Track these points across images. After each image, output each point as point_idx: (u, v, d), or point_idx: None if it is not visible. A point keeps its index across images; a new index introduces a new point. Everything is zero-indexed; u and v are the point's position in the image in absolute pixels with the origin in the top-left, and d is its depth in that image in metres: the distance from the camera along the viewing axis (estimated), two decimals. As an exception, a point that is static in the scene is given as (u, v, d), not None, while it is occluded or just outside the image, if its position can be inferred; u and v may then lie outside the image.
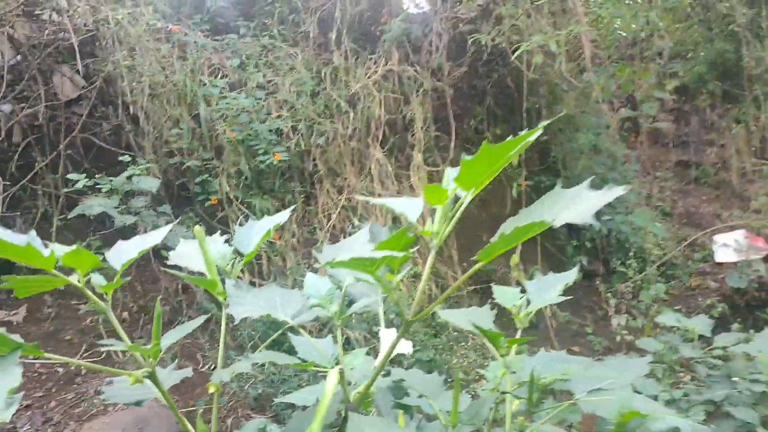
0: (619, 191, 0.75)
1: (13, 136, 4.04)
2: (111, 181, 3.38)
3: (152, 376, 0.87)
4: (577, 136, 5.12)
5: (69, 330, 3.70)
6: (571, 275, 1.25)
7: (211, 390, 0.91)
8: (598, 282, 5.21)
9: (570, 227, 5.57)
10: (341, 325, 0.96)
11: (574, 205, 0.75)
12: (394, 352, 1.13)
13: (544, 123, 0.81)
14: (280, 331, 1.03)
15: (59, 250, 0.85)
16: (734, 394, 2.56)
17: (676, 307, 4.87)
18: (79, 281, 0.90)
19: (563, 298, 1.18)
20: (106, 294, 0.92)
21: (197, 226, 1.00)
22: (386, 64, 4.71)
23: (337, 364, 0.98)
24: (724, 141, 7.99)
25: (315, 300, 0.94)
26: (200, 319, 0.97)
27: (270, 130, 4.34)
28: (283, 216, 1.07)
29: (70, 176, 3.42)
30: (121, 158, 3.78)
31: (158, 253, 2.70)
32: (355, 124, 4.56)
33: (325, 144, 4.46)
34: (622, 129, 6.63)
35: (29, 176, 3.99)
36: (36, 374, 3.47)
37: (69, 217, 3.59)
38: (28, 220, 4.05)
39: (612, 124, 5.86)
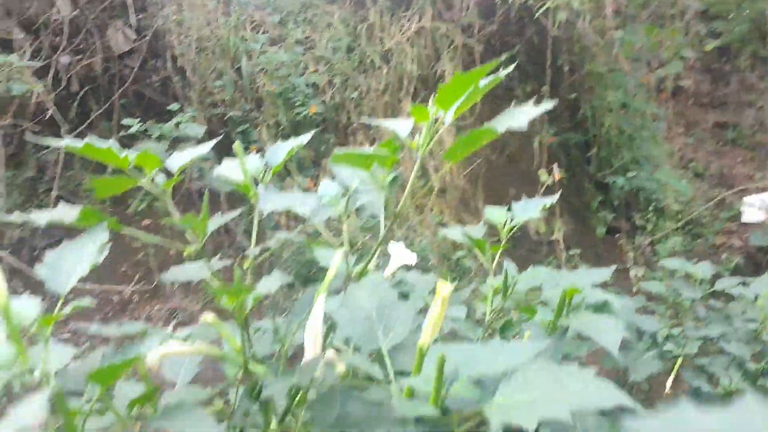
0: (549, 105, 0.97)
1: (72, 85, 4.38)
2: (161, 127, 3.68)
3: (203, 251, 1.14)
4: (606, 94, 5.21)
5: (124, 263, 4.07)
6: (552, 199, 1.48)
7: (246, 265, 1.18)
8: (621, 237, 5.35)
9: (597, 185, 5.69)
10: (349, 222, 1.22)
11: (518, 117, 0.97)
12: (400, 263, 1.40)
13: (508, 68, 1.04)
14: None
15: (131, 153, 1.12)
16: (729, 331, 2.74)
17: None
18: (145, 180, 1.17)
19: (542, 215, 1.43)
20: (167, 189, 1.19)
21: (237, 141, 1.26)
22: (419, 21, 4.88)
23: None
24: (762, 103, 7.92)
25: (327, 199, 1.20)
26: (237, 211, 1.23)
27: (307, 84, 4.59)
28: (305, 138, 1.33)
29: (124, 122, 3.73)
30: (169, 107, 4.09)
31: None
32: (388, 79, 4.76)
33: (359, 98, 4.69)
34: (658, 88, 6.64)
35: (86, 123, 4.33)
36: (95, 302, 3.87)
37: (123, 159, 3.92)
38: (84, 164, 4.41)
39: (644, 83, 5.90)
